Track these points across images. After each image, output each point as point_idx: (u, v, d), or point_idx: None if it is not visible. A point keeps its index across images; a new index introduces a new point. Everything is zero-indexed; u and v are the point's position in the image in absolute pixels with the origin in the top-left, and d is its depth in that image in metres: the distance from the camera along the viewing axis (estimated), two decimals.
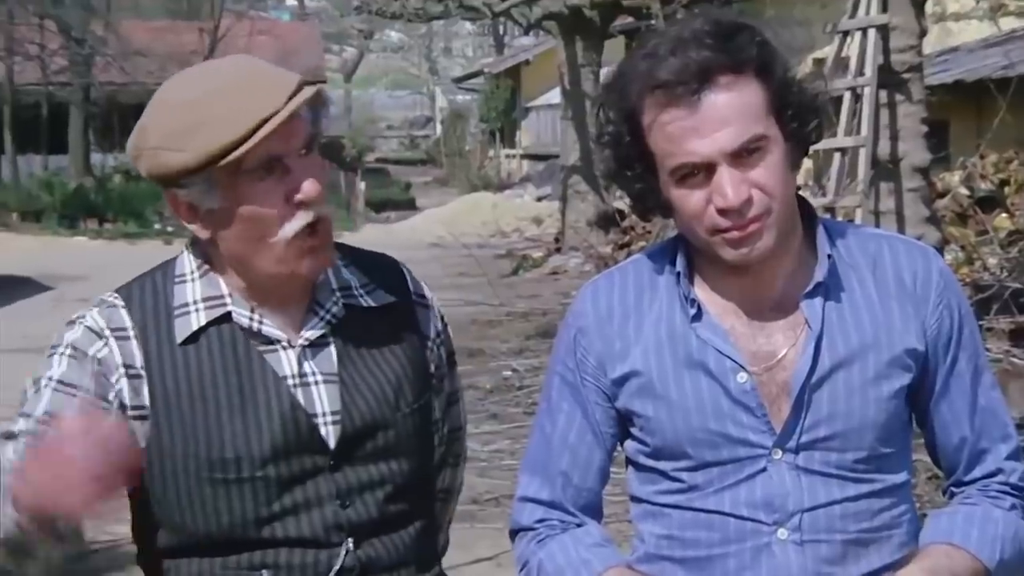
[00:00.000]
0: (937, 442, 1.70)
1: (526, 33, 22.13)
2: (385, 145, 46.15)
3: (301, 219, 1.62)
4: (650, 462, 1.68)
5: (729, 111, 1.51)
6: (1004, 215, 9.56)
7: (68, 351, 1.67)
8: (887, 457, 1.63)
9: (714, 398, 1.61)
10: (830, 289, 1.61)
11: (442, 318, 1.86)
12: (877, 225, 6.34)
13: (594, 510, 1.75)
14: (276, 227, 1.62)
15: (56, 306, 13.16)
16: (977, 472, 1.69)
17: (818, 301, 1.61)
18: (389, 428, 1.71)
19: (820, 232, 1.63)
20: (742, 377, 1.60)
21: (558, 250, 15.58)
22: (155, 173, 1.63)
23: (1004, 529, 1.64)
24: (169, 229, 22.24)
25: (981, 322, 6.52)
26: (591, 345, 1.68)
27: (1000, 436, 1.69)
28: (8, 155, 28.18)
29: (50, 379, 1.66)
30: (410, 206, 25.04)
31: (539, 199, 22.01)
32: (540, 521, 1.73)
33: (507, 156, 31.57)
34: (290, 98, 1.59)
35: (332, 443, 1.68)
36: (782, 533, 1.60)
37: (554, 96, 21.53)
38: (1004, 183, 10.17)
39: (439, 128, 41.93)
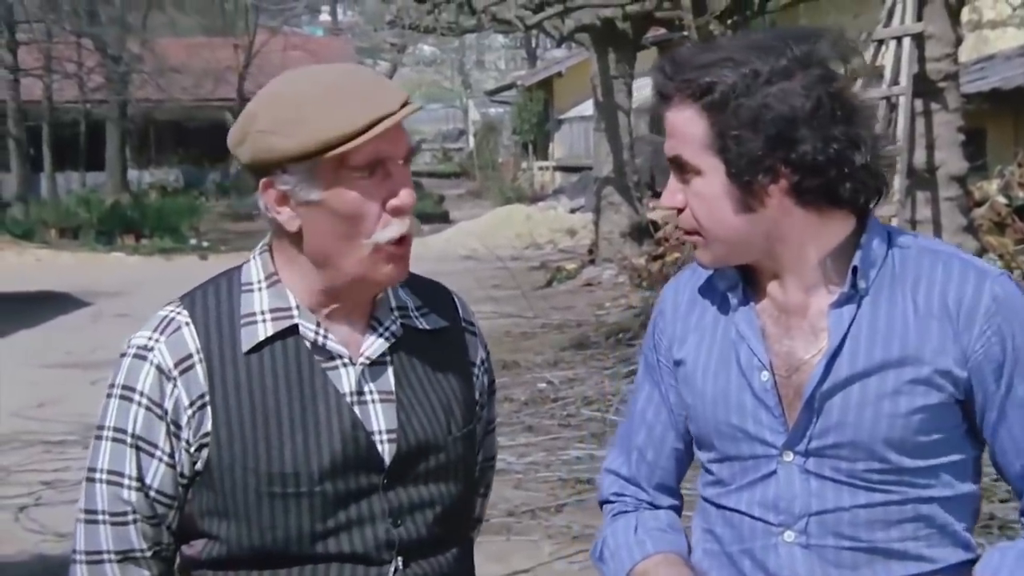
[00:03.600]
0: (1002, 467, 1.68)
1: (558, 45, 22.15)
2: (419, 158, 46.16)
3: (396, 227, 1.65)
4: (696, 451, 1.78)
5: (670, 127, 1.64)
6: None
7: (145, 402, 1.67)
8: (916, 471, 1.62)
9: (739, 393, 1.66)
10: (865, 301, 1.63)
11: (485, 346, 1.88)
12: None
13: (669, 490, 1.83)
14: (370, 228, 1.64)
15: (95, 321, 13.29)
16: None
17: (847, 311, 1.62)
18: (441, 450, 1.73)
19: (865, 244, 1.64)
20: (764, 376, 1.65)
21: (592, 262, 15.56)
22: (259, 157, 1.64)
23: None
24: (205, 244, 22.41)
25: None
26: (665, 328, 1.78)
27: None
28: (46, 172, 28.51)
29: (132, 435, 1.68)
30: (444, 219, 25.08)
31: (572, 211, 22.00)
32: (617, 495, 1.84)
33: (540, 168, 31.58)
34: (403, 105, 1.63)
35: (387, 461, 1.69)
36: (788, 535, 1.63)
37: (587, 108, 21.54)
38: None
39: (472, 141, 42.03)
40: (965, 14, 8.40)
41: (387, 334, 1.72)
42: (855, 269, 1.62)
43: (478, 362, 1.84)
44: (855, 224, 1.65)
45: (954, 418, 1.63)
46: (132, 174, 31.14)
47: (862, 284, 1.63)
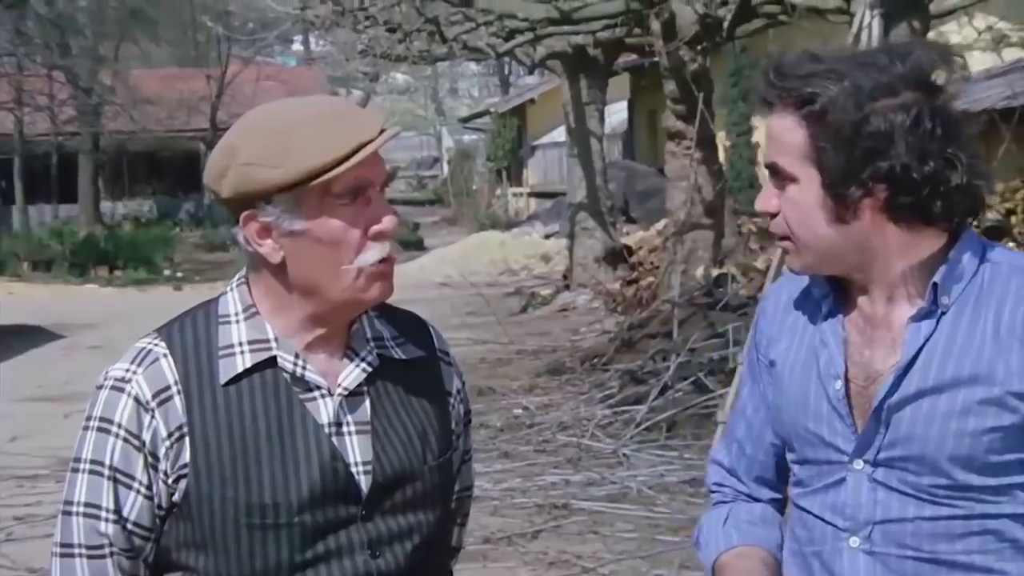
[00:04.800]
0: None
1: (530, 72, 22.26)
2: (393, 186, 46.10)
3: (377, 251, 1.66)
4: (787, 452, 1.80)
5: (770, 133, 1.67)
6: (1011, 244, 9.56)
7: (122, 433, 1.67)
8: (984, 488, 1.62)
9: (817, 399, 1.70)
10: (947, 316, 1.63)
11: (460, 376, 1.89)
12: None
13: (769, 483, 1.87)
14: (353, 254, 1.65)
15: (68, 354, 13.19)
16: None
17: (926, 325, 1.63)
18: (417, 480, 1.73)
19: (952, 260, 1.64)
20: (838, 384, 1.68)
21: (567, 287, 15.59)
22: (243, 189, 1.65)
23: None
24: (179, 275, 22.32)
25: None
26: (765, 328, 1.82)
27: None
28: (18, 204, 28.36)
29: (109, 467, 1.67)
30: (418, 246, 25.07)
31: (547, 236, 22.03)
32: (718, 484, 1.90)
33: (514, 194, 31.64)
34: (381, 131, 1.65)
35: (364, 492, 1.69)
36: (853, 541, 1.67)
37: (560, 134, 21.63)
38: (1011, 212, 10.18)
39: (446, 168, 42.09)
40: (931, 38, 8.50)
41: (364, 364, 1.73)
42: (935, 285, 1.63)
43: (454, 392, 1.85)
44: (946, 240, 1.65)
45: None
46: (105, 206, 31.02)
47: (944, 300, 1.62)
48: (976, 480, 1.61)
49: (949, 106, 1.62)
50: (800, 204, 1.65)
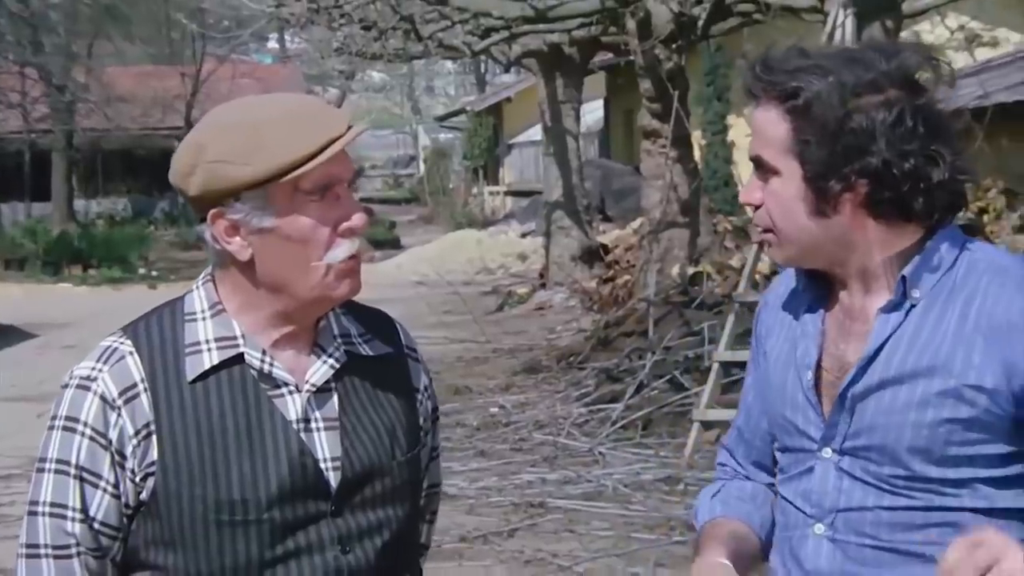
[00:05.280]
0: None
1: (506, 71, 22.26)
2: (369, 184, 46.21)
3: (347, 247, 1.67)
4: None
5: (755, 126, 1.69)
6: None
7: (88, 432, 1.66)
8: (944, 481, 1.63)
9: (793, 389, 1.74)
10: (917, 309, 1.65)
11: (427, 373, 1.90)
12: None
13: (765, 469, 1.90)
14: (322, 251, 1.66)
15: (42, 353, 13.11)
16: None
17: (895, 317, 1.66)
18: (386, 475, 1.74)
19: (924, 255, 1.65)
20: (809, 374, 1.71)
21: (543, 286, 15.60)
22: (211, 187, 1.64)
23: None
24: (154, 274, 22.20)
25: None
26: (764, 319, 1.86)
27: None
28: None
29: (75, 466, 1.66)
30: (395, 245, 25.02)
31: (523, 235, 22.04)
32: (721, 464, 1.97)
33: (491, 193, 31.62)
34: (349, 127, 1.66)
35: (334, 488, 1.69)
36: (818, 528, 1.70)
37: (536, 133, 21.63)
38: (983, 211, 10.26)
39: (422, 167, 42.03)
40: (904, 38, 8.56)
41: (331, 361, 1.73)
42: (904, 278, 1.65)
43: (421, 388, 1.85)
44: (923, 234, 1.66)
45: (996, 434, 1.62)
46: (79, 204, 30.82)
47: (915, 293, 1.65)
48: (935, 472, 1.63)
49: (933, 104, 1.64)
50: (782, 197, 1.67)
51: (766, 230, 1.71)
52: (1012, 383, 1.60)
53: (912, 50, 1.66)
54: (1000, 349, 1.60)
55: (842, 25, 7.05)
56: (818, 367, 1.72)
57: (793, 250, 1.70)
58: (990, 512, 1.64)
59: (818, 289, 1.75)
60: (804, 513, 1.72)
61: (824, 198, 1.64)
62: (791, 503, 1.75)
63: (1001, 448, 1.63)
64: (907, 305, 1.65)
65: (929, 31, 10.86)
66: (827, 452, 1.69)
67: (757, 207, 1.70)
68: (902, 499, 1.65)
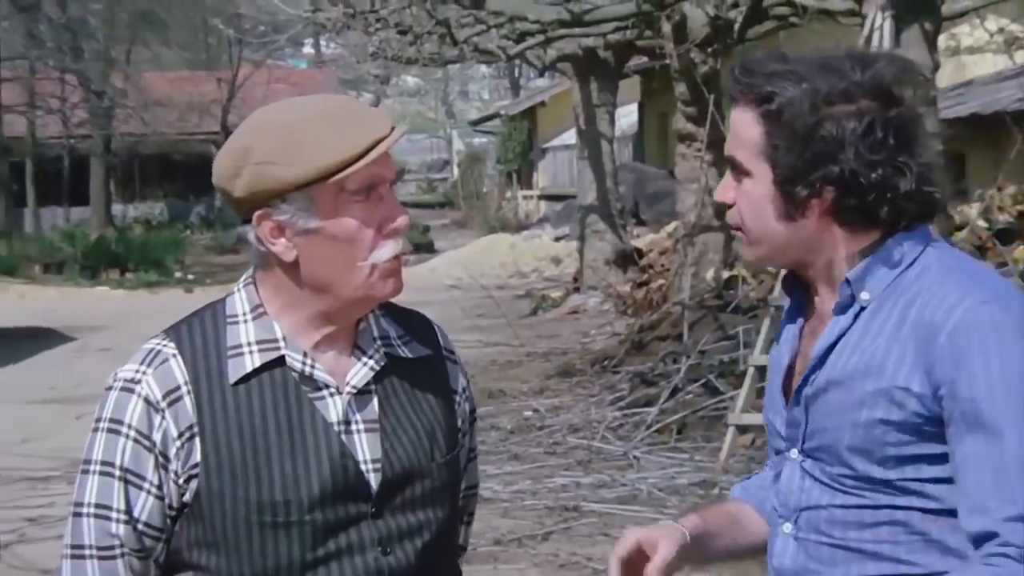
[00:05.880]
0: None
1: (541, 75, 22.27)
2: (403, 189, 46.38)
3: (391, 247, 1.68)
4: None
5: (732, 127, 1.72)
6: (1023, 247, 9.52)
7: (133, 434, 1.67)
8: (888, 482, 1.64)
9: (773, 391, 1.79)
10: (866, 312, 1.67)
11: (466, 375, 1.90)
12: None
13: None
14: (367, 251, 1.67)
15: (80, 356, 13.23)
16: (970, 528, 1.61)
17: (843, 319, 1.68)
18: (425, 477, 1.74)
19: (873, 258, 1.67)
20: (779, 377, 1.77)
21: (577, 289, 15.58)
22: (257, 188, 1.65)
23: None
24: (189, 278, 22.37)
25: None
26: (783, 324, 1.87)
27: (1000, 502, 1.57)
28: (30, 207, 28.46)
29: (119, 468, 1.68)
30: (429, 249, 25.09)
31: (557, 239, 22.03)
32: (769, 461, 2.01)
33: (524, 197, 31.64)
34: (392, 128, 1.67)
35: (374, 490, 1.70)
36: (786, 527, 1.74)
37: (570, 137, 21.63)
38: (1023, 215, 10.15)
39: (456, 171, 42.12)
40: (942, 40, 8.49)
41: (371, 363, 1.73)
42: (848, 281, 1.67)
43: (459, 390, 1.86)
44: (879, 237, 1.68)
45: (929, 435, 1.63)
46: (116, 208, 31.11)
47: (864, 296, 1.67)
48: (878, 472, 1.64)
49: (905, 116, 1.66)
50: (753, 197, 1.70)
51: (737, 228, 1.75)
52: (931, 383, 1.60)
53: (888, 61, 1.69)
54: (926, 350, 1.61)
55: (880, 28, 6.99)
56: (792, 370, 1.75)
57: (762, 250, 1.74)
58: (940, 512, 1.64)
59: (802, 292, 1.78)
60: (777, 512, 1.77)
61: (792, 202, 1.67)
62: (774, 502, 1.80)
63: (937, 449, 1.63)
64: (856, 307, 1.68)
65: (968, 33, 10.78)
66: (794, 453, 1.74)
67: (730, 206, 1.74)
68: (853, 498, 1.67)
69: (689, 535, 1.75)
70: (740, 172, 1.71)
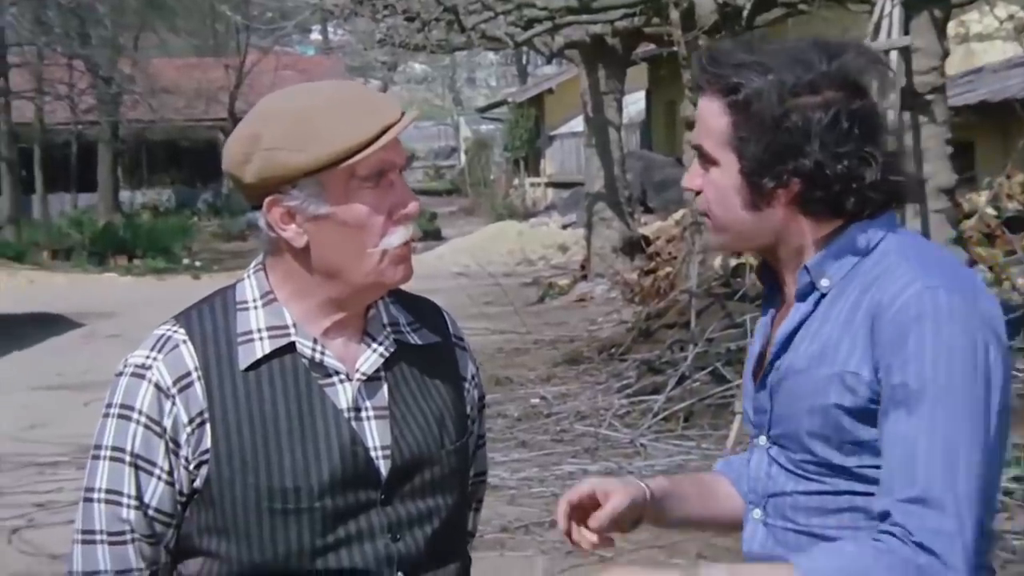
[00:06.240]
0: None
1: (548, 62, 22.21)
2: (410, 176, 46.06)
3: (401, 233, 1.68)
4: None
5: (699, 116, 1.73)
6: None
7: (143, 420, 1.68)
8: (847, 469, 1.65)
9: (747, 378, 1.80)
10: (827, 299, 1.68)
11: (475, 362, 1.90)
12: None
13: None
14: (377, 237, 1.67)
15: (88, 342, 13.26)
16: (874, 507, 1.61)
17: (805, 307, 1.70)
18: (435, 464, 1.75)
19: (831, 245, 1.68)
20: (750, 363, 1.78)
21: (584, 277, 15.57)
22: (268, 175, 1.65)
23: (843, 561, 1.56)
24: (197, 264, 22.40)
25: (1011, 343, 6.45)
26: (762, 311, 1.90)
27: (902, 483, 1.57)
28: (38, 194, 28.49)
29: (130, 454, 1.68)
30: (436, 236, 25.09)
31: (564, 227, 22.02)
32: None
33: (532, 184, 31.60)
34: (402, 114, 1.67)
35: (384, 476, 1.70)
36: (756, 513, 1.76)
37: (577, 124, 21.60)
38: None
39: (463, 158, 42.08)
40: (952, 27, 8.46)
41: (381, 349, 1.74)
42: (806, 268, 1.69)
43: (469, 377, 1.86)
44: (840, 225, 1.69)
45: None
46: (124, 195, 31.15)
47: (824, 283, 1.68)
48: (837, 458, 1.65)
49: (869, 107, 1.67)
50: (719, 186, 1.71)
51: (703, 214, 1.77)
52: (874, 366, 1.60)
53: (856, 52, 1.68)
54: (871, 336, 1.61)
55: (889, 15, 6.96)
56: (764, 357, 1.76)
57: (727, 237, 1.75)
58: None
59: (776, 280, 1.79)
60: (747, 499, 1.78)
61: (759, 192, 1.68)
62: (744, 488, 1.81)
63: (870, 433, 1.63)
64: (816, 295, 1.69)
65: (978, 20, 10.74)
66: (762, 440, 1.75)
67: (698, 193, 1.75)
68: (815, 484, 1.68)
69: (651, 493, 1.77)
70: (707, 161, 1.72)
